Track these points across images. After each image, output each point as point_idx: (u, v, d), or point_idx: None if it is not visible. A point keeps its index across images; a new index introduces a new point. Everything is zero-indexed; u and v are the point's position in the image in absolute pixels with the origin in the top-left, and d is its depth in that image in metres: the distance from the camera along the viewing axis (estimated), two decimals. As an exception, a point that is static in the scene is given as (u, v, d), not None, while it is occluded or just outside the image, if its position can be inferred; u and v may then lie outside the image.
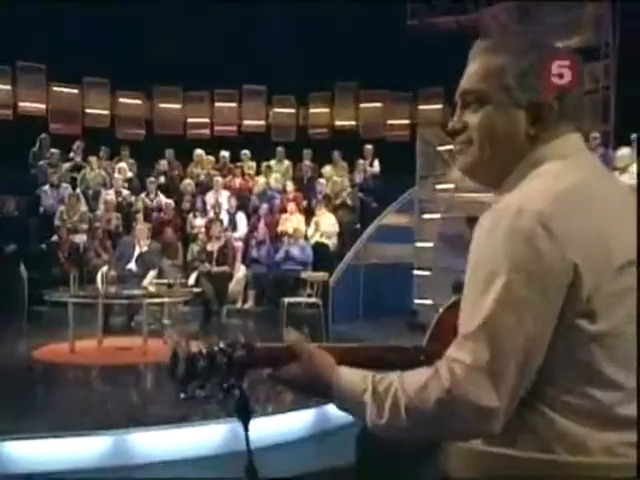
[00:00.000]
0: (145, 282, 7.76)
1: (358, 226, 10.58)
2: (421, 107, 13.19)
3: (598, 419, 1.22)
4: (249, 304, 9.19)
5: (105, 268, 8.24)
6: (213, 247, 8.45)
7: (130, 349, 6.60)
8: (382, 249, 9.86)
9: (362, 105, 13.38)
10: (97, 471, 3.88)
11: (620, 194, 1.37)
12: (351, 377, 1.30)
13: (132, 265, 8.03)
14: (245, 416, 1.34)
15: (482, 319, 1.15)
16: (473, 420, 1.16)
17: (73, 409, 4.88)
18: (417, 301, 9.33)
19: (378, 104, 13.33)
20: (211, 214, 10.59)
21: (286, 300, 7.25)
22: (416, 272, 9.42)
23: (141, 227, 8.39)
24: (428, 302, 8.93)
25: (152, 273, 7.92)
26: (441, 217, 9.27)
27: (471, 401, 1.14)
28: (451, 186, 9.25)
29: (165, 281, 7.82)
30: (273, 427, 4.39)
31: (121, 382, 5.84)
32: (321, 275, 7.69)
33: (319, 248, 9.84)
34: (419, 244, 9.49)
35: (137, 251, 8.09)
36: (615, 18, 10.06)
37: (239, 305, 9.00)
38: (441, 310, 1.61)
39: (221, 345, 1.30)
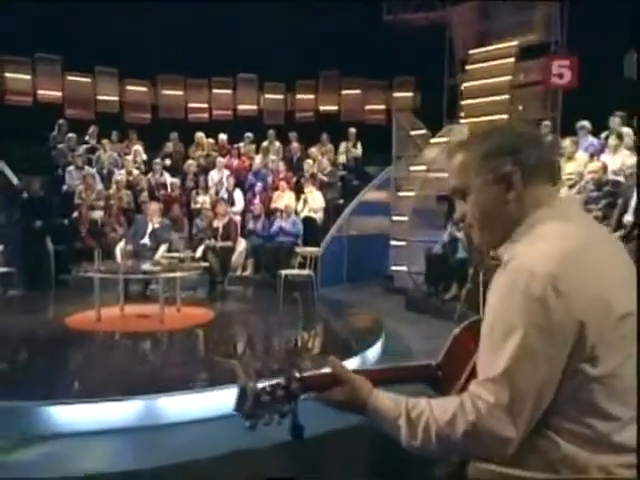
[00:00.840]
0: (157, 255, 7.70)
1: (341, 202, 10.53)
2: (395, 94, 13.07)
3: (597, 445, 1.25)
4: (248, 272, 9.17)
5: (122, 243, 8.17)
6: (218, 224, 8.38)
7: (148, 316, 6.50)
8: (362, 222, 9.96)
9: (343, 92, 13.25)
10: (127, 431, 3.86)
11: (611, 246, 1.41)
12: (387, 402, 1.34)
13: (146, 240, 7.92)
14: (299, 432, 1.38)
15: (503, 366, 1.19)
16: (493, 447, 1.22)
17: (107, 374, 4.78)
18: (393, 268, 9.37)
19: (357, 91, 13.20)
20: (212, 191, 10.52)
21: (283, 272, 7.24)
22: (392, 242, 9.46)
23: (153, 207, 8.25)
24: (403, 269, 9.04)
25: (163, 247, 7.87)
26: (415, 195, 9.26)
27: (493, 433, 1.19)
28: (424, 167, 9.30)
29: (176, 254, 7.74)
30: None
31: (144, 348, 5.79)
32: (314, 250, 7.71)
33: (308, 222, 9.76)
34: (395, 218, 9.53)
35: (150, 228, 7.98)
36: (563, 18, 10.00)
37: (239, 273, 8.97)
38: (456, 331, 1.64)
39: (280, 381, 1.35)
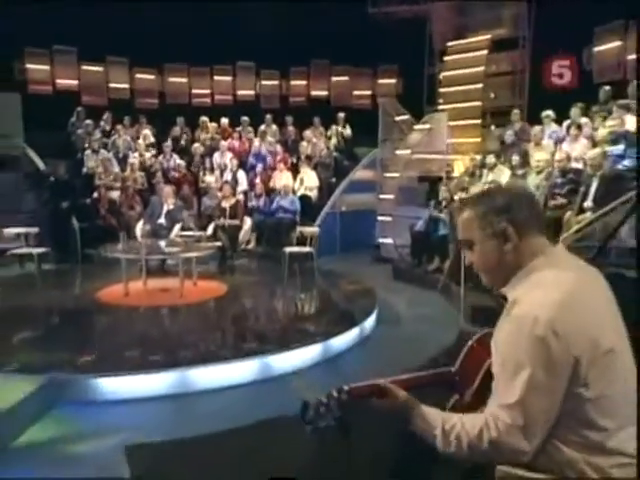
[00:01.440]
0: (173, 234, 7.78)
1: (333, 180, 10.54)
2: (379, 81, 13.03)
3: (592, 450, 1.37)
4: (252, 245, 9.24)
5: (141, 223, 8.18)
6: (226, 205, 8.41)
7: (169, 290, 6.43)
8: (353, 199, 10.01)
9: (332, 78, 13.16)
10: (161, 398, 3.91)
11: (597, 287, 1.51)
12: (427, 415, 1.48)
13: (162, 220, 7.96)
14: (347, 431, 1.52)
15: (517, 396, 1.33)
16: (512, 457, 1.37)
17: (143, 345, 4.74)
18: (380, 240, 9.44)
19: (345, 78, 13.13)
20: (217, 172, 10.49)
21: (287, 250, 7.30)
22: (380, 218, 9.54)
23: (167, 190, 8.25)
24: (389, 241, 9.09)
25: (178, 226, 7.92)
26: (400, 175, 9.31)
27: (511, 447, 1.34)
28: (408, 151, 9.38)
29: (191, 233, 7.79)
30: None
31: (171, 321, 5.80)
32: (314, 230, 7.77)
33: (304, 199, 9.79)
34: (382, 196, 9.61)
35: (165, 209, 8.01)
36: (530, 15, 10.06)
37: (244, 246, 9.02)
38: (470, 342, 1.75)
39: (333, 393, 1.51)
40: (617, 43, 9.25)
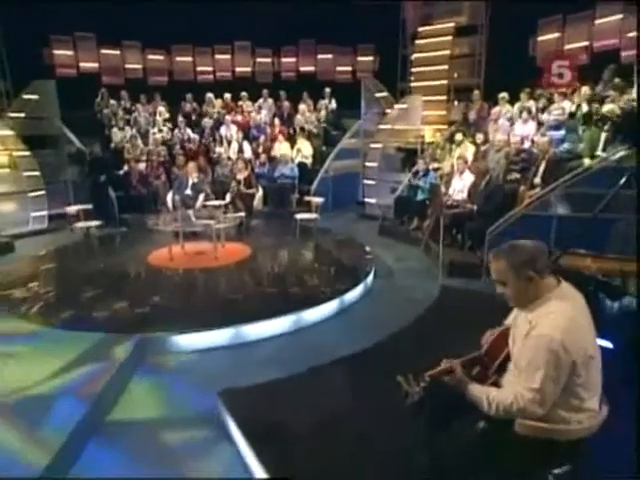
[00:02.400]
0: (198, 204, 7.95)
1: (324, 149, 10.72)
2: (359, 58, 12.95)
3: (576, 410, 1.78)
4: (260, 207, 9.30)
5: (170, 194, 8.32)
6: (241, 177, 8.56)
7: (204, 253, 6.40)
8: (341, 164, 10.20)
9: (318, 56, 13.03)
10: (222, 348, 4.12)
11: (585, 312, 1.84)
12: (476, 389, 1.85)
13: (188, 191, 8.13)
14: (423, 409, 1.89)
15: (536, 385, 1.72)
16: (529, 416, 1.76)
17: (202, 304, 4.79)
18: (365, 200, 9.72)
19: (329, 55, 12.99)
20: (225, 144, 10.57)
21: (298, 216, 7.46)
22: (365, 181, 9.81)
23: (191, 165, 8.33)
24: (373, 201, 9.47)
25: (201, 196, 8.08)
26: (382, 146, 9.53)
27: (531, 411, 1.75)
28: (389, 125, 9.59)
29: (214, 203, 7.86)
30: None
31: (217, 281, 5.59)
32: (319, 200, 7.95)
33: (301, 166, 9.98)
34: (367, 163, 9.81)
35: (190, 181, 8.18)
36: (487, 6, 10.10)
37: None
38: (494, 335, 2.09)
39: (422, 384, 1.88)
40: (556, 34, 9.44)
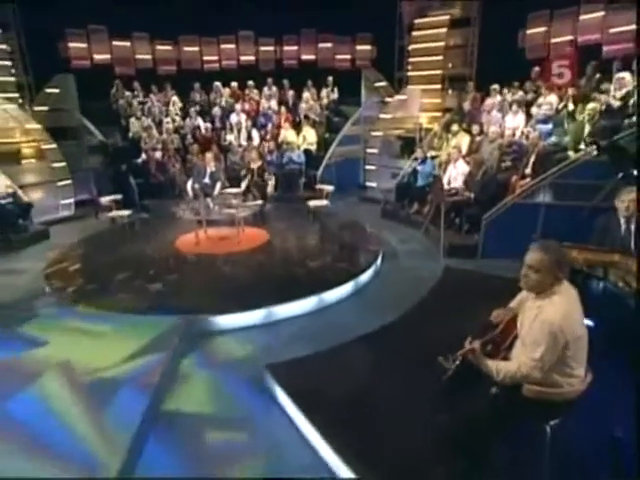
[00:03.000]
0: (215, 191, 8.16)
1: (327, 135, 10.92)
2: (357, 47, 13.04)
3: (567, 375, 2.21)
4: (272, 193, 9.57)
5: (190, 182, 8.47)
6: (254, 166, 8.75)
7: (227, 238, 6.54)
8: (344, 150, 10.42)
9: (319, 45, 13.10)
10: (256, 327, 4.38)
11: (577, 303, 2.24)
12: (488, 363, 2.27)
13: (207, 180, 8.35)
14: (456, 380, 2.35)
15: (538, 355, 2.15)
16: (531, 381, 2.19)
17: (235, 286, 4.97)
18: (367, 183, 10.05)
19: (329, 44, 13.06)
20: (235, 131, 10.76)
21: (311, 203, 7.66)
22: (366, 167, 10.09)
23: (209, 155, 8.52)
24: (374, 184, 9.79)
25: (219, 184, 8.29)
26: (383, 134, 9.81)
27: (532, 377, 2.18)
28: (389, 115, 9.85)
29: (232, 191, 8.09)
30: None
31: (245, 264, 5.69)
32: (330, 188, 8.13)
33: (307, 153, 10.20)
34: (368, 150, 10.08)
35: (208, 170, 8.39)
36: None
37: None
38: (505, 318, 2.50)
39: (456, 362, 2.35)
40: (543, 28, 9.66)
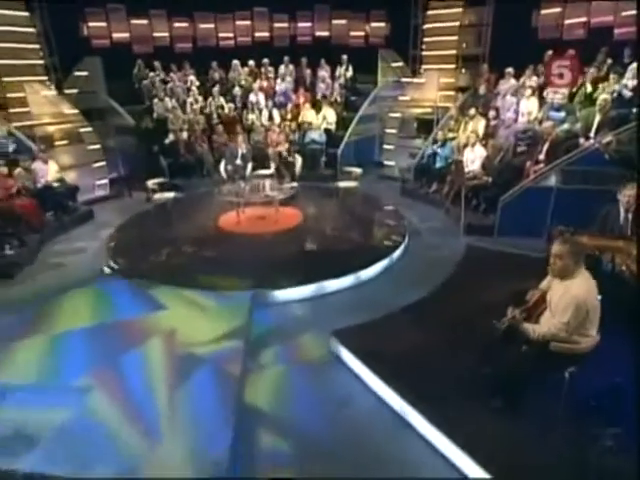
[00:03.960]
0: (247, 172, 8.85)
1: (345, 114, 11.32)
2: (372, 24, 13.31)
3: (585, 335, 2.96)
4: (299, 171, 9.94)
5: (223, 164, 9.06)
6: (282, 148, 9.31)
7: (265, 217, 7.01)
8: (364, 129, 10.78)
9: (333, 21, 13.34)
10: (303, 300, 4.99)
11: (591, 280, 2.95)
12: (527, 326, 3.06)
13: (239, 161, 8.98)
14: (504, 338, 3.17)
15: (565, 319, 2.90)
16: (559, 338, 2.95)
17: (283, 263, 5.54)
18: (385, 162, 10.58)
19: (343, 21, 13.30)
20: (257, 111, 11.17)
21: (341, 184, 8.23)
22: (385, 146, 10.61)
23: (240, 138, 9.09)
24: (392, 163, 10.38)
25: (250, 165, 8.93)
26: (401, 116, 10.34)
27: (559, 335, 2.95)
28: (408, 97, 10.38)
29: (264, 172, 8.66)
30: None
31: (285, 243, 6.18)
32: (358, 171, 8.71)
33: (327, 132, 10.65)
34: (386, 130, 10.57)
35: (240, 152, 9.01)
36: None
37: None
38: (536, 294, 3.29)
39: (505, 324, 3.12)
40: (558, 9, 10.14)
